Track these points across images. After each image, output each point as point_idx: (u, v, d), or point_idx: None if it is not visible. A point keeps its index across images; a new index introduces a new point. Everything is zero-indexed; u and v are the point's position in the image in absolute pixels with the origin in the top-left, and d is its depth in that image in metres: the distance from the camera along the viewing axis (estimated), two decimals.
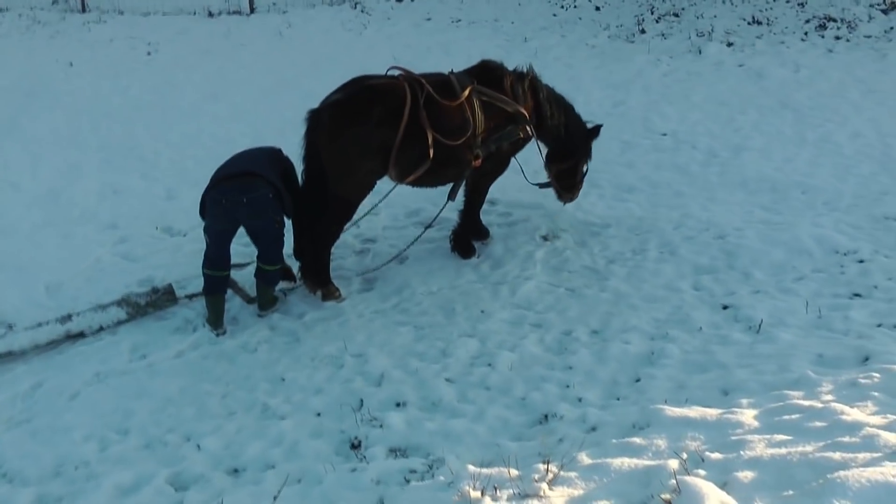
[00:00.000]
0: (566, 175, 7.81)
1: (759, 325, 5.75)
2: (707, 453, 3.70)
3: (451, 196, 7.33)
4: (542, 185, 7.92)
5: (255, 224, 6.70)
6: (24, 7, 18.28)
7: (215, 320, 6.75)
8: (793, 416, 3.95)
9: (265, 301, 6.96)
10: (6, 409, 6.02)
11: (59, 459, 5.29)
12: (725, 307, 6.22)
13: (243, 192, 6.48)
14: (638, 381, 5.30)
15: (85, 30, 16.81)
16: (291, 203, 6.76)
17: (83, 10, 18.09)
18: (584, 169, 7.93)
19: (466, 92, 6.77)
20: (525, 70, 7.35)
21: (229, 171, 6.69)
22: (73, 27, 17.03)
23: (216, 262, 6.72)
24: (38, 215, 9.08)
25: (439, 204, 7.65)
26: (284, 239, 6.86)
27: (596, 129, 7.75)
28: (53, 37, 16.60)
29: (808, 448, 3.53)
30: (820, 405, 4.05)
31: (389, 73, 6.90)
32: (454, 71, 7.08)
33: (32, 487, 5.02)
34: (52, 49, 15.72)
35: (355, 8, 16.71)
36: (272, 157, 6.91)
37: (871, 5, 12.73)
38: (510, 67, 7.34)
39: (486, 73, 7.11)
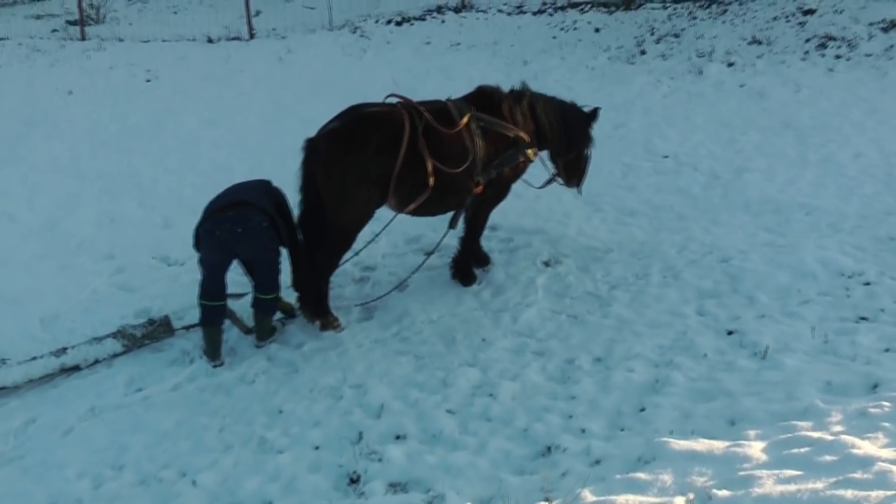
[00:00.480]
0: (572, 165, 7.72)
1: (766, 351, 5.63)
2: (714, 490, 3.59)
3: (453, 224, 7.26)
4: (545, 184, 7.83)
5: (251, 254, 6.64)
6: (23, 36, 18.32)
7: (212, 352, 6.66)
8: (802, 450, 3.84)
9: (263, 331, 6.87)
10: None
11: (51, 497, 5.22)
12: (730, 332, 6.11)
13: (238, 223, 6.42)
14: (643, 410, 5.18)
15: (85, 57, 16.81)
16: (286, 232, 6.69)
17: (83, 38, 18.11)
18: (589, 154, 7.81)
19: (465, 119, 6.71)
20: (520, 89, 7.30)
21: (223, 202, 6.64)
22: (72, 55, 17.03)
23: (212, 293, 6.64)
24: (34, 246, 9.03)
25: (439, 230, 7.58)
26: (280, 267, 6.78)
27: (594, 113, 7.60)
28: (53, 65, 16.61)
29: (819, 485, 3.42)
30: (830, 437, 3.94)
31: (388, 100, 6.84)
32: (452, 98, 7.02)
33: None
34: (51, 77, 15.72)
35: (355, 32, 16.67)
36: (264, 189, 6.85)
37: (871, 24, 12.64)
38: (506, 89, 7.28)
39: (484, 99, 7.05)
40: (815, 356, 5.57)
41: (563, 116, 7.45)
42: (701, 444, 4.07)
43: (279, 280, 6.83)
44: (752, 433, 4.33)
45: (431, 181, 6.57)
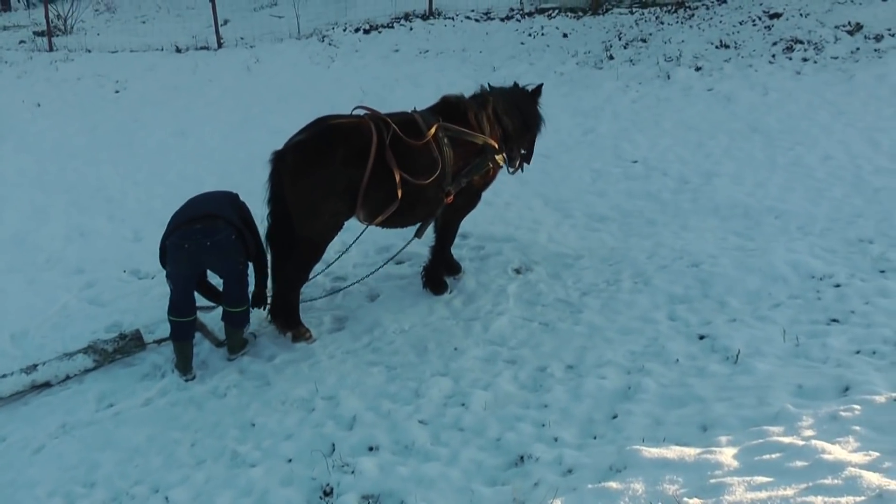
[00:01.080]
0: (528, 148, 7.76)
1: (737, 356, 5.64)
2: (685, 498, 3.58)
3: (419, 234, 7.23)
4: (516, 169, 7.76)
5: (219, 267, 6.58)
6: None
7: (184, 366, 6.62)
8: (773, 455, 3.84)
9: (234, 344, 6.83)
10: None
11: None
12: (702, 337, 6.10)
13: (206, 235, 6.35)
14: (615, 417, 5.17)
15: (52, 69, 16.66)
16: (254, 245, 6.65)
17: (50, 49, 17.96)
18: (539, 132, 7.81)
19: (433, 130, 6.68)
20: (481, 92, 7.31)
21: (189, 214, 6.57)
22: (40, 66, 16.89)
23: (181, 307, 6.57)
24: (2, 261, 8.96)
25: (410, 238, 7.55)
26: (248, 280, 6.72)
27: (538, 90, 7.61)
28: (20, 76, 16.46)
29: (789, 491, 3.42)
30: (801, 443, 3.94)
31: (355, 112, 6.79)
32: (417, 109, 6.98)
33: None
34: (18, 89, 15.58)
35: (323, 41, 16.62)
36: (229, 201, 6.81)
37: (837, 27, 12.76)
38: (469, 94, 7.28)
39: (450, 109, 7.04)
40: (787, 360, 5.57)
41: (518, 108, 7.45)
42: (672, 452, 4.06)
43: (248, 292, 6.76)
44: (723, 439, 4.32)
45: (399, 193, 6.53)
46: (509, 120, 7.29)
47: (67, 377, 6.78)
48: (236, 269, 6.58)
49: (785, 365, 5.46)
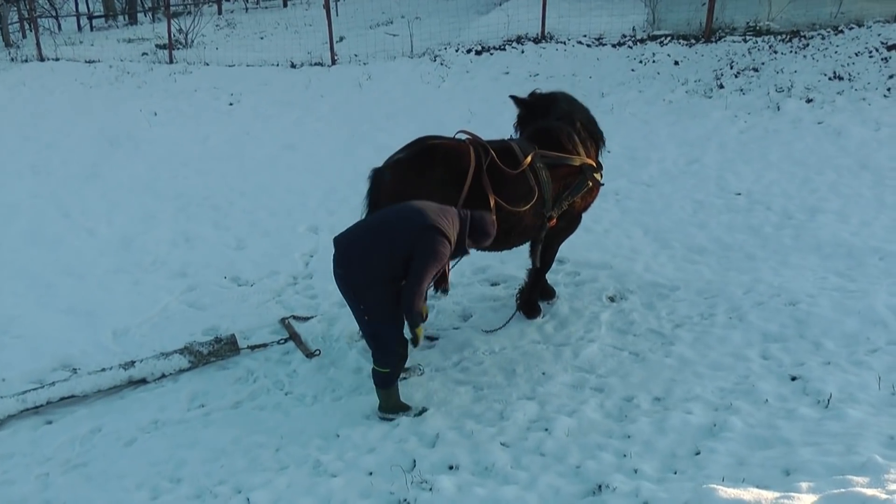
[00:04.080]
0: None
1: (829, 400, 5.50)
2: None
3: (533, 259, 7.25)
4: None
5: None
6: (115, 59, 19.01)
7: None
8: None
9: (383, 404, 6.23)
10: (64, 452, 6.20)
11: None
12: (794, 378, 5.97)
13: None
14: (698, 454, 5.09)
15: (171, 80, 17.36)
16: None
17: (170, 62, 18.72)
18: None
19: (528, 159, 6.71)
20: (568, 109, 7.24)
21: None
22: (159, 77, 17.61)
23: None
24: (110, 261, 9.35)
25: (507, 261, 7.67)
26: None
27: None
28: (140, 87, 17.19)
29: None
30: (884, 496, 3.80)
31: (457, 136, 6.90)
32: (513, 137, 7.04)
33: None
34: (137, 98, 16.28)
35: (434, 60, 16.83)
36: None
37: None
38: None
39: (544, 135, 7.01)
40: (881, 408, 5.38)
41: (592, 120, 7.40)
42: (750, 494, 4.00)
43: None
44: (804, 485, 4.21)
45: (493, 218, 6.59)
46: (594, 134, 7.27)
47: (163, 375, 7.08)
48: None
49: (878, 413, 5.29)
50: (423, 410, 6.18)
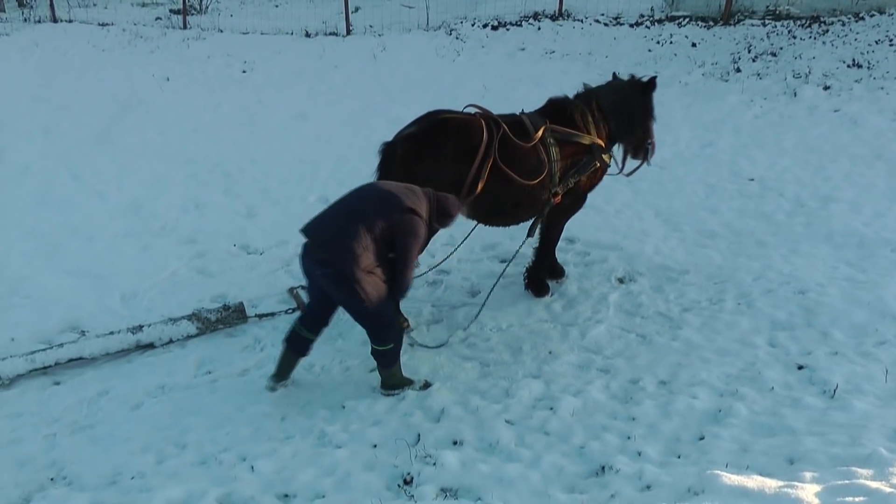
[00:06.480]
0: (640, 142, 7.44)
1: (835, 391, 5.49)
2: None
3: (531, 233, 7.25)
4: (631, 172, 7.53)
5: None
6: (128, 23, 18.93)
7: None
8: (857, 499, 3.70)
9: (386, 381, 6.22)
10: (72, 413, 6.23)
11: (116, 468, 5.40)
12: (800, 367, 5.96)
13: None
14: (702, 439, 5.10)
15: (184, 46, 17.27)
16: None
17: (184, 27, 18.62)
18: (652, 125, 7.46)
19: (540, 132, 6.72)
20: (585, 91, 7.20)
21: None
22: (173, 43, 17.52)
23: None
24: (120, 225, 9.37)
25: (516, 238, 7.61)
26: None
27: (651, 83, 7.26)
28: (153, 52, 17.10)
29: None
30: (888, 489, 3.80)
31: (466, 110, 6.85)
32: (525, 111, 7.02)
33: (88, 493, 5.12)
34: (150, 64, 16.20)
35: (450, 34, 16.72)
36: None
37: None
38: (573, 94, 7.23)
39: (556, 110, 7.00)
40: (887, 400, 5.38)
41: (625, 104, 7.23)
42: (753, 481, 3.99)
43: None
44: (808, 475, 4.20)
45: (503, 191, 6.58)
46: (615, 118, 7.16)
47: (171, 341, 7.09)
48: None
49: (884, 406, 5.28)
50: (427, 385, 6.20)
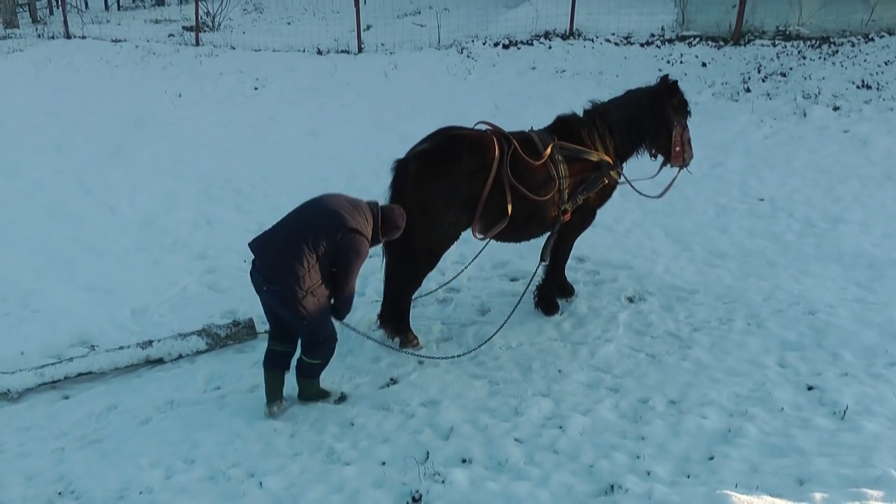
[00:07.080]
0: (664, 146, 7.33)
1: (845, 412, 5.47)
2: None
3: (543, 256, 7.23)
4: (664, 191, 7.60)
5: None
6: (141, 39, 19.07)
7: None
8: None
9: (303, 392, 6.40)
10: (80, 427, 6.26)
11: (124, 483, 5.42)
12: (810, 388, 5.93)
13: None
14: (711, 459, 5.08)
15: (196, 63, 17.39)
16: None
17: (197, 44, 18.76)
18: (682, 126, 7.35)
19: (549, 149, 6.75)
20: (592, 108, 7.20)
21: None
22: (185, 59, 17.65)
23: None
24: (131, 240, 9.42)
25: (526, 256, 7.64)
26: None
27: (659, 92, 7.18)
28: (166, 68, 17.23)
29: None
30: None
31: (477, 127, 6.89)
32: (534, 129, 7.05)
33: None
34: (163, 80, 16.33)
35: (461, 53, 16.78)
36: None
37: None
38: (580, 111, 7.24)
39: (565, 128, 7.04)
40: None
41: (632, 118, 7.19)
42: (763, 502, 3.99)
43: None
44: (818, 496, 4.20)
45: (510, 208, 6.58)
46: (620, 134, 7.16)
47: (180, 356, 7.13)
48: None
49: (894, 427, 5.25)
50: (343, 397, 6.36)
